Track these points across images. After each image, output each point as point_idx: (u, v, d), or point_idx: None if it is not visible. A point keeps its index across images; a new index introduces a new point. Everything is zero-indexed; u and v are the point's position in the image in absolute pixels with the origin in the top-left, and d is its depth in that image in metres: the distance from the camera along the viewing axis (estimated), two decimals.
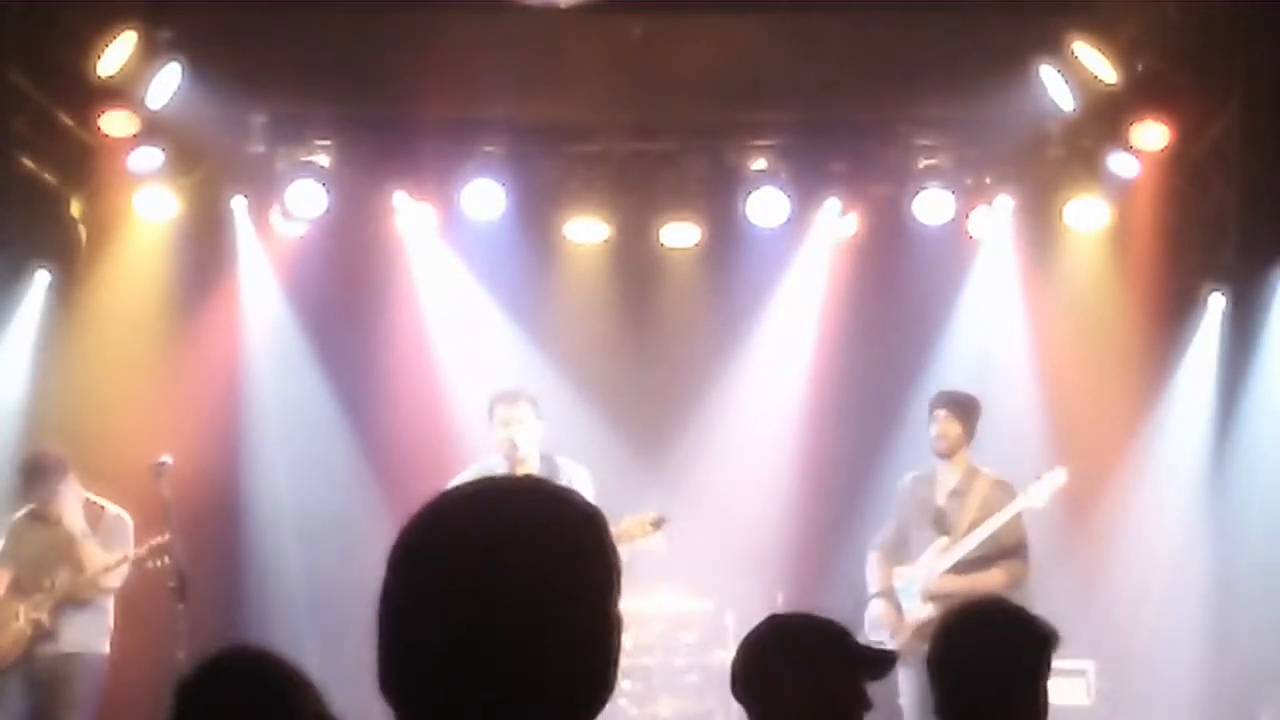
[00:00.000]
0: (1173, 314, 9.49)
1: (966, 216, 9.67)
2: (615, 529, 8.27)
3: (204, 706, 3.19)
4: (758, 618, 3.66)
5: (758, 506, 9.61)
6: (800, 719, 3.45)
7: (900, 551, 8.43)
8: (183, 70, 8.70)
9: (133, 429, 8.92)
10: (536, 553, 1.71)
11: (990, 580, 8.03)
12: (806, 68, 8.90)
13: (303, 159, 9.36)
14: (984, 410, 8.53)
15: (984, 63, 8.72)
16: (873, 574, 8.47)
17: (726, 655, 3.87)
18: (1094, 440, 9.31)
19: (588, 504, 1.79)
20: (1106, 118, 9.07)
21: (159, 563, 7.90)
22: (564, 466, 8.28)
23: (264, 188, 9.55)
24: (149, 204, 9.34)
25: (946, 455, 8.39)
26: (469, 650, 1.67)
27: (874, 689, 3.53)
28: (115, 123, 8.84)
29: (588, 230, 9.78)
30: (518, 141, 9.49)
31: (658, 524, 8.12)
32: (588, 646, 1.73)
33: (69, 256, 9.42)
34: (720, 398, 9.96)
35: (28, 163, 8.90)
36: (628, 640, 8.64)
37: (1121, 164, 9.14)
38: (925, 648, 3.75)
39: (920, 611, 8.14)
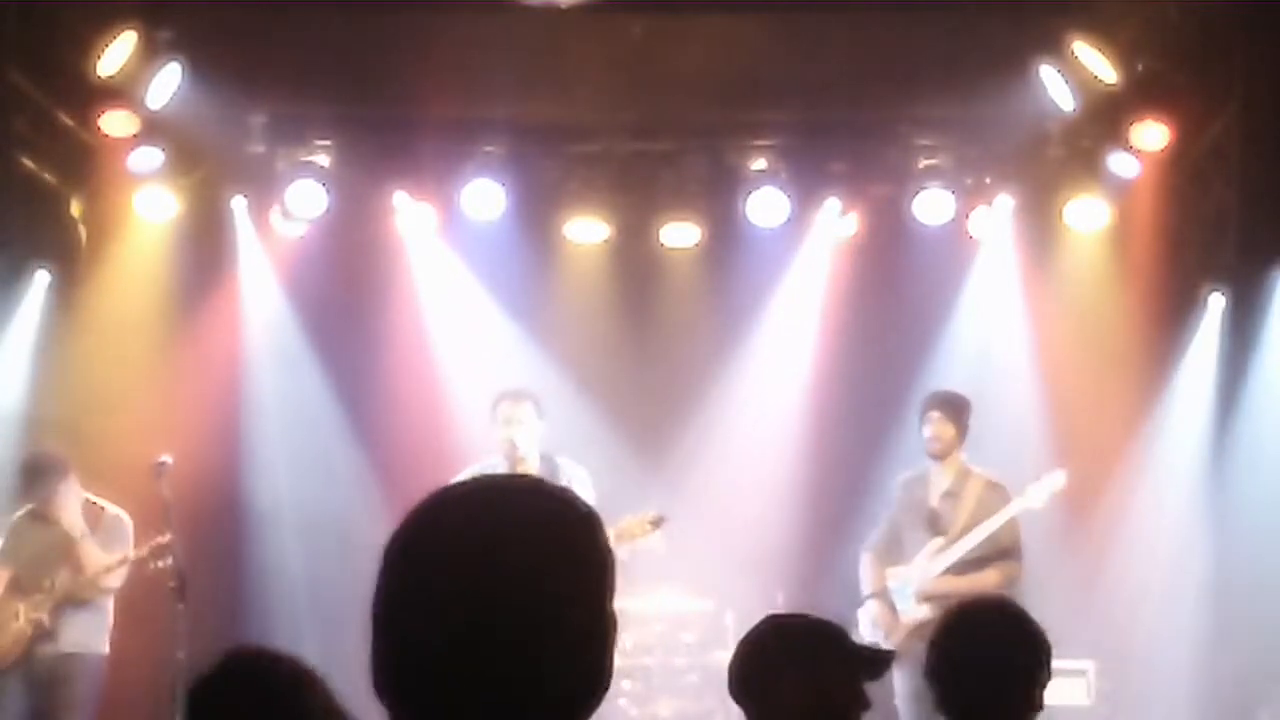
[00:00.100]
0: (1173, 314, 9.50)
1: (966, 216, 9.68)
2: (615, 528, 8.34)
3: (217, 709, 3.20)
4: (758, 618, 3.66)
5: (758, 506, 9.61)
6: (800, 719, 3.46)
7: (893, 552, 8.42)
8: (183, 70, 8.70)
9: (133, 429, 8.93)
10: (536, 552, 1.71)
11: (986, 581, 8.02)
12: (806, 68, 8.91)
13: (303, 159, 9.36)
14: (984, 410, 8.53)
15: (984, 63, 8.72)
16: (866, 575, 8.47)
17: (726, 655, 3.86)
18: (1094, 440, 9.32)
19: (583, 503, 1.80)
20: (1106, 118, 9.07)
21: (159, 563, 7.90)
22: (564, 467, 8.28)
23: (264, 188, 9.55)
24: (149, 204, 9.35)
25: (940, 457, 8.38)
26: (470, 650, 1.67)
27: (870, 690, 3.53)
28: (115, 123, 8.84)
29: (588, 230, 9.78)
30: (518, 141, 9.49)
31: (657, 523, 8.12)
32: (586, 646, 1.73)
33: (69, 256, 9.42)
34: (720, 398, 9.96)
35: (28, 163, 8.90)
36: (628, 640, 8.64)
37: (1121, 164, 9.14)
38: (921, 648, 3.76)
39: (915, 612, 8.14)
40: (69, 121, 9.01)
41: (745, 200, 9.45)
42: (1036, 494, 8.23)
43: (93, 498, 8.26)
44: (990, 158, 9.68)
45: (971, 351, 9.77)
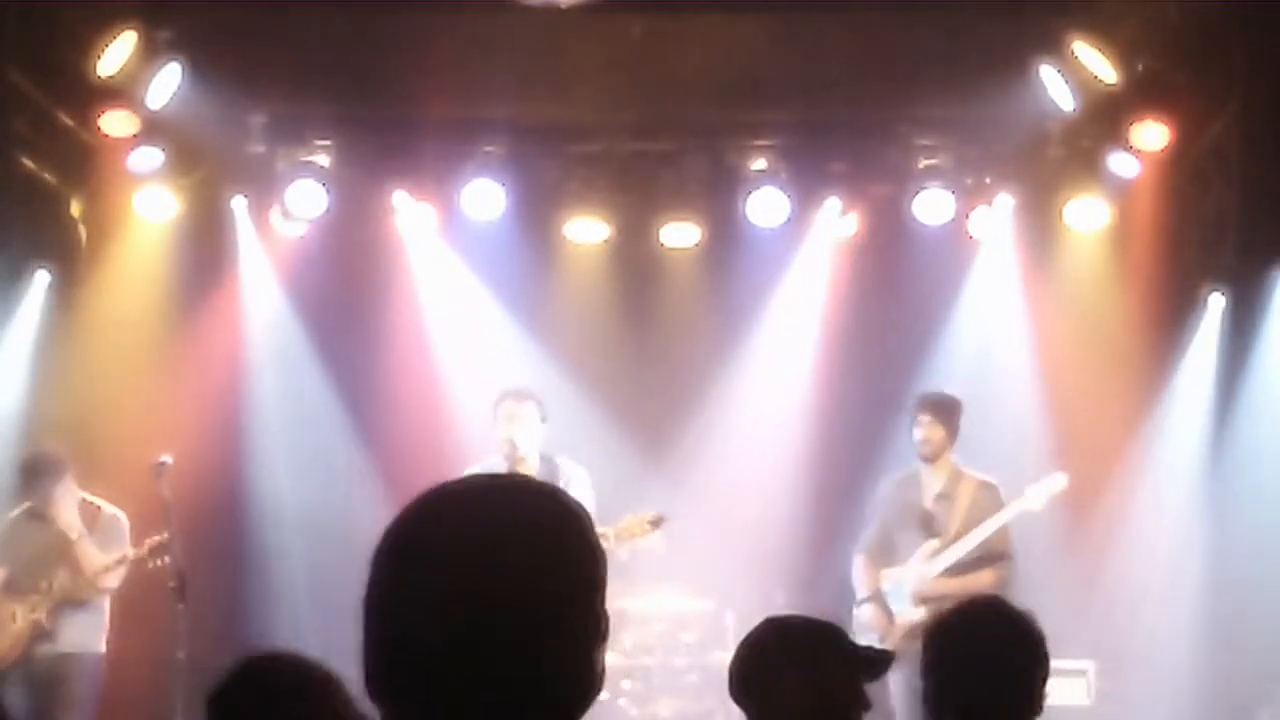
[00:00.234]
0: (1172, 314, 9.49)
1: (966, 216, 9.67)
2: (615, 527, 8.33)
3: (237, 713, 3.20)
4: (758, 618, 3.67)
5: (758, 506, 9.61)
6: (800, 719, 3.46)
7: (886, 554, 8.41)
8: (183, 70, 8.70)
9: (133, 429, 8.93)
10: (535, 552, 1.71)
11: (981, 582, 8.00)
12: (806, 68, 8.91)
13: (303, 159, 9.36)
14: (984, 410, 8.53)
15: (984, 63, 8.72)
16: (860, 578, 8.45)
17: (726, 655, 3.87)
18: (1093, 440, 9.31)
19: (575, 502, 1.81)
20: (1106, 118, 9.06)
21: (159, 562, 7.90)
22: (564, 467, 8.29)
23: (264, 188, 9.55)
24: (149, 204, 9.34)
25: (931, 459, 8.38)
26: (470, 650, 1.67)
27: (868, 691, 3.53)
28: (115, 123, 8.84)
29: (588, 230, 9.78)
30: (518, 141, 9.49)
31: (657, 523, 8.13)
32: (581, 645, 1.74)
33: (69, 256, 9.41)
34: (720, 397, 9.95)
35: (28, 163, 8.90)
36: (628, 640, 8.65)
37: (1121, 164, 9.14)
38: (918, 649, 3.76)
39: (911, 614, 8.12)
40: (69, 121, 9.01)
41: (745, 200, 9.44)
42: (1036, 495, 8.23)
43: (90, 497, 8.26)
44: (990, 158, 9.67)
45: (971, 351, 9.76)
